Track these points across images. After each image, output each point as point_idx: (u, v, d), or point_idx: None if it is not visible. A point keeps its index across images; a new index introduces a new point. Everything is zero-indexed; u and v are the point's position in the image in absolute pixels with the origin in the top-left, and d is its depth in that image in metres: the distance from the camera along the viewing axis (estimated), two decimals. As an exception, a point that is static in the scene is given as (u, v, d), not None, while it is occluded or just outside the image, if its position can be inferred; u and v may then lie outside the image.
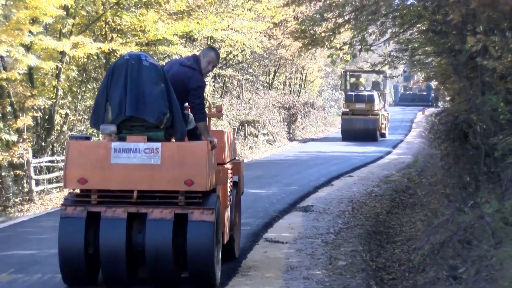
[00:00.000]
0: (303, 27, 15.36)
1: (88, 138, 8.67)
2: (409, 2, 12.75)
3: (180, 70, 8.76)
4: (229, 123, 30.64)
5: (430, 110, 36.67)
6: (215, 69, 31.88)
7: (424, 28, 12.99)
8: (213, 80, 31.10)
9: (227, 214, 9.53)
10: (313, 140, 37.11)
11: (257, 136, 33.41)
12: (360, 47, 14.41)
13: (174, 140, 8.48)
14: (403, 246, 11.97)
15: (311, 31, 14.82)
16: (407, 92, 66.96)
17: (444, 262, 9.17)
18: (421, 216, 13.81)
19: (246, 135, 32.52)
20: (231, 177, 10.08)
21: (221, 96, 32.17)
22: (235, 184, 10.51)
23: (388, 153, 30.99)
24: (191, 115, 8.89)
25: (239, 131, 31.99)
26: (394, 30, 14.20)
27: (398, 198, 17.41)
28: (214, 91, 31.20)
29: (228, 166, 9.86)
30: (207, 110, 9.65)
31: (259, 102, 34.69)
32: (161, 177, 8.10)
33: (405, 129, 43.33)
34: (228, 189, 9.66)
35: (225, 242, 9.41)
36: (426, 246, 10.57)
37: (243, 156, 29.11)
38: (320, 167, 24.57)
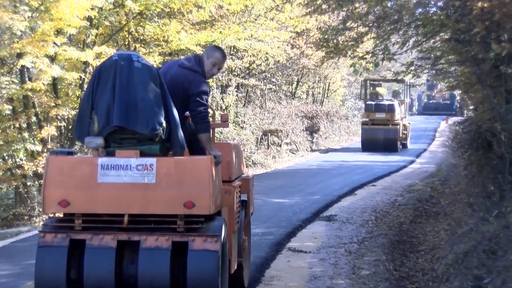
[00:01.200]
0: (326, 37, 15.37)
1: (70, 153, 7.20)
2: (431, 11, 12.66)
3: (179, 72, 7.43)
4: (252, 133, 30.65)
5: (453, 119, 36.35)
6: (237, 78, 32.64)
7: (447, 37, 12.94)
8: (236, 89, 31.12)
9: (234, 240, 8.18)
10: (333, 150, 36.83)
11: (280, 146, 33.35)
12: (382, 56, 14.38)
13: (171, 155, 7.07)
14: (427, 255, 11.89)
15: (334, 41, 14.81)
16: (431, 101, 66.63)
17: (469, 272, 9.10)
18: (444, 225, 13.72)
19: (269, 144, 32.46)
20: (239, 196, 8.69)
21: (244, 105, 32.14)
22: (244, 204, 9.13)
23: (412, 162, 30.89)
24: (192, 126, 7.55)
25: (262, 140, 31.98)
26: (417, 39, 14.16)
27: (422, 208, 17.32)
28: (237, 101, 31.18)
29: (236, 183, 8.48)
30: (210, 120, 8.23)
31: (282, 112, 34.64)
32: (156, 199, 6.72)
33: (429, 138, 43.16)
34: (236, 211, 8.30)
35: (232, 271, 8.08)
36: (450, 256, 10.49)
37: (266, 165, 29.11)
38: (344, 177, 24.50)
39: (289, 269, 10.82)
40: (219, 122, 9.09)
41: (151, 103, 6.73)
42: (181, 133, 6.91)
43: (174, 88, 7.16)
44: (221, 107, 29.17)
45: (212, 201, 6.66)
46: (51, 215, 7.33)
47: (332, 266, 11.02)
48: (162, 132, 6.74)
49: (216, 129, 27.83)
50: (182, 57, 26.43)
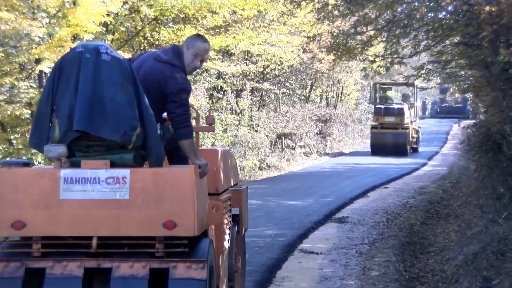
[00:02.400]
0: (337, 41, 15.38)
1: (27, 164, 5.70)
2: (441, 15, 12.63)
3: (154, 67, 5.97)
4: (267, 136, 30.64)
5: (465, 122, 36.26)
6: (251, 83, 32.58)
7: (457, 41, 12.91)
8: (250, 94, 31.12)
9: (224, 262, 6.84)
10: (342, 154, 36.94)
11: (294, 149, 33.36)
12: (391, 59, 14.40)
13: (147, 166, 5.70)
14: (437, 256, 11.85)
15: (345, 44, 14.84)
16: (443, 105, 66.39)
17: (478, 273, 9.06)
18: (455, 227, 13.68)
19: (283, 147, 32.47)
20: (230, 210, 7.33)
21: (258, 109, 32.15)
22: (236, 219, 7.68)
23: (424, 164, 30.83)
24: (172, 130, 6.14)
25: (276, 143, 32.00)
26: (427, 43, 14.16)
27: (433, 209, 17.27)
28: (251, 105, 31.18)
29: (225, 196, 7.00)
30: (194, 123, 6.97)
31: (296, 115, 34.63)
32: (130, 218, 5.33)
33: (441, 141, 43.05)
34: (226, 228, 6.92)
35: None
36: (459, 257, 10.45)
37: (280, 168, 29.08)
38: (356, 179, 24.45)
39: (300, 270, 10.80)
40: (204, 125, 7.22)
41: (122, 103, 5.34)
42: (159, 139, 5.57)
43: (149, 86, 5.78)
44: (236, 111, 29.18)
45: (197, 220, 5.31)
46: (3, 239, 5.90)
47: (343, 267, 11.00)
48: (135, 138, 5.36)
49: (231, 133, 28.68)
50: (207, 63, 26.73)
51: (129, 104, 5.36)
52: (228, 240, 7.00)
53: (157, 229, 5.24)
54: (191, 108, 6.52)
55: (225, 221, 6.81)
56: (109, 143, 5.37)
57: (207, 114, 25.59)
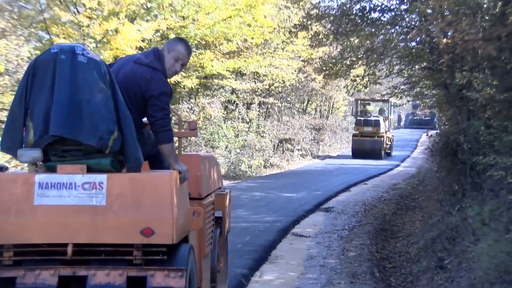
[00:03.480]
0: (326, 64, 15.39)
1: (0, 169, 4.65)
2: (410, 45, 12.61)
3: (134, 70, 4.94)
4: (271, 141, 30.62)
5: (432, 132, 36.32)
6: (259, 97, 32.85)
7: (423, 66, 12.87)
8: (258, 106, 31.14)
9: (206, 265, 5.88)
10: (330, 157, 36.60)
11: (293, 151, 33.33)
12: (369, 80, 14.44)
13: (125, 171, 4.64)
14: (403, 241, 11.81)
15: (332, 67, 14.86)
16: (415, 117, 66.35)
17: (434, 255, 9.06)
18: (419, 217, 13.64)
19: (284, 150, 32.46)
20: (213, 213, 6.25)
21: (264, 119, 32.19)
22: (219, 221, 6.62)
23: (397, 166, 30.76)
24: (152, 135, 5.12)
25: (278, 146, 31.97)
26: (399, 67, 14.15)
27: (403, 202, 17.21)
28: (259, 115, 31.22)
29: (208, 201, 5.92)
30: (175, 128, 6.21)
31: (295, 124, 34.59)
32: (107, 225, 4.39)
33: (412, 147, 42.96)
34: (208, 231, 5.86)
35: None
36: (421, 242, 10.44)
37: (281, 167, 29.04)
38: (342, 177, 24.33)
39: (291, 250, 10.76)
40: (187, 130, 5.96)
41: (99, 106, 4.36)
42: (137, 143, 4.55)
43: (128, 89, 4.77)
44: (246, 120, 29.18)
45: (176, 227, 4.38)
46: None
47: (326, 248, 10.96)
48: (113, 142, 4.38)
49: (241, 137, 28.83)
50: (216, 81, 26.93)
51: (106, 107, 4.35)
52: (211, 243, 5.95)
53: (135, 237, 4.28)
54: (173, 113, 5.76)
55: (208, 225, 5.76)
56: (86, 148, 4.35)
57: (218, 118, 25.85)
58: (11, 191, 4.36)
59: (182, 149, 6.00)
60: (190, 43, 21.77)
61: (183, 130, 6.24)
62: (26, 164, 4.49)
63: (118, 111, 4.41)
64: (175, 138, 5.36)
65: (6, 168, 4.67)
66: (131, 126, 4.46)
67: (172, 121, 6.25)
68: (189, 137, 23.76)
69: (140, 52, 20.28)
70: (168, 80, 5.05)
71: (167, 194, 4.35)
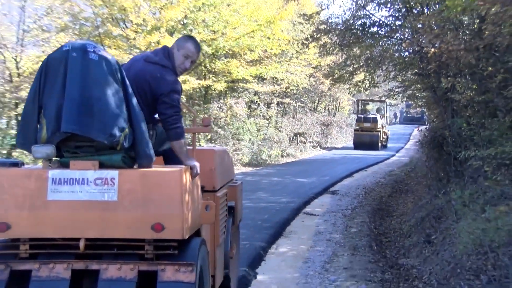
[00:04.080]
0: (335, 71, 15.35)
1: (15, 164, 4.09)
2: (403, 54, 12.53)
3: (145, 68, 4.34)
4: (287, 134, 30.61)
5: (422, 128, 36.12)
6: (277, 98, 33.07)
7: (414, 72, 12.77)
8: (276, 105, 31.12)
9: (219, 253, 5.25)
10: (335, 148, 36.34)
11: (305, 143, 33.22)
12: (369, 84, 14.38)
13: (137, 167, 4.08)
14: (397, 219, 11.74)
15: (337, 73, 14.84)
16: (408, 115, 65.82)
17: (423, 231, 9.00)
18: (411, 199, 13.54)
19: (298, 142, 32.39)
20: (226, 204, 5.54)
21: (281, 116, 32.17)
22: (231, 211, 5.85)
23: (393, 156, 30.55)
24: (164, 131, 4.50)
25: (293, 139, 31.91)
26: (394, 73, 14.05)
27: (397, 186, 17.09)
28: (277, 113, 31.22)
29: (222, 192, 5.25)
30: (187, 124, 5.47)
31: (307, 121, 34.53)
32: (118, 220, 3.84)
33: (405, 140, 42.58)
34: (221, 222, 5.21)
35: (217, 284, 5.17)
36: (412, 220, 10.36)
37: (295, 156, 29.00)
38: (346, 165, 24.24)
39: (302, 226, 10.75)
40: (200, 126, 5.13)
41: (110, 103, 3.76)
42: (148, 140, 3.92)
43: (139, 87, 4.19)
44: (266, 117, 29.19)
45: (185, 222, 3.80)
46: None
47: (332, 225, 10.94)
48: (123, 139, 3.78)
49: (262, 132, 28.96)
50: (241, 85, 26.99)
51: (116, 104, 3.75)
52: (224, 232, 5.34)
53: (145, 232, 3.71)
54: (188, 110, 5.26)
55: (222, 215, 5.15)
56: (98, 144, 3.77)
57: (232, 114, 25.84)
58: (25, 186, 3.81)
59: (197, 143, 5.62)
60: (219, 53, 22.20)
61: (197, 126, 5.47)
62: (41, 160, 3.91)
63: (129, 108, 3.80)
64: (190, 134, 4.94)
65: (22, 164, 4.11)
66: (142, 123, 3.85)
67: (188, 119, 5.66)
68: (217, 132, 24.00)
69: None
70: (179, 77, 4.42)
71: (176, 190, 3.75)
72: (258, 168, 22.90)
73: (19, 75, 17.50)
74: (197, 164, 4.18)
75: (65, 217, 3.72)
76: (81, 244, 3.69)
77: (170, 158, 4.40)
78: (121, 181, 3.71)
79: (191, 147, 4.63)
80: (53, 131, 3.71)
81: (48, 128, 3.73)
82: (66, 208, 3.72)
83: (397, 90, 15.57)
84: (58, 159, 3.88)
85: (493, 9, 6.26)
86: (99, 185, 3.73)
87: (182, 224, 3.70)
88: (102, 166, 3.78)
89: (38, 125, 3.80)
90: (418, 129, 48.34)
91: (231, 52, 22.56)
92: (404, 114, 67.91)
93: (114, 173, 3.74)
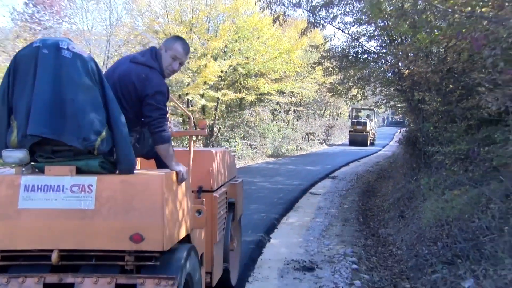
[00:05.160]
0: (336, 87, 15.16)
1: None
2: (387, 75, 12.29)
3: (130, 68, 3.16)
4: (300, 134, 30.41)
5: (403, 129, 35.70)
6: (294, 107, 33.16)
7: (394, 88, 12.54)
8: (293, 112, 30.93)
9: (218, 249, 4.17)
10: (336, 145, 35.82)
11: (314, 140, 32.97)
12: (361, 97, 14.17)
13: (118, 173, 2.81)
14: (380, 198, 11.55)
15: (337, 89, 14.66)
16: (393, 120, 64.98)
17: (398, 208, 8.82)
18: (391, 183, 13.29)
19: (309, 139, 32.14)
20: (226, 202, 4.41)
21: (297, 120, 31.91)
22: (232, 207, 4.68)
23: (379, 150, 30.10)
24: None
25: (305, 137, 31.66)
26: (380, 89, 13.81)
27: (381, 174, 16.82)
28: (293, 118, 30.99)
29: (220, 192, 4.16)
30: (181, 127, 3.88)
31: (316, 124, 34.39)
32: (95, 230, 2.62)
33: (390, 138, 41.91)
34: (220, 220, 4.12)
35: (214, 284, 4.05)
36: (391, 199, 10.17)
37: (306, 150, 28.79)
38: (344, 157, 23.97)
39: (307, 203, 10.61)
40: (197, 129, 3.91)
41: (84, 105, 2.63)
42: (129, 144, 2.79)
43: (123, 88, 3.08)
44: (285, 121, 29.04)
45: (167, 232, 2.69)
46: None
47: (330, 202, 10.79)
48: (100, 143, 2.66)
49: (282, 132, 28.97)
50: (267, 97, 27.04)
51: (92, 106, 2.61)
52: (224, 229, 4.31)
53: (123, 243, 2.60)
54: (185, 112, 4.03)
55: (220, 213, 4.14)
56: (76, 148, 2.63)
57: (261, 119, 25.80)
58: None
59: (194, 144, 4.30)
60: (250, 73, 22.14)
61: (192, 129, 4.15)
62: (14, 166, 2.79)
63: (108, 110, 2.69)
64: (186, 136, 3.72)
65: None
66: (123, 126, 2.73)
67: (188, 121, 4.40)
68: (248, 131, 24.10)
69: (219, 78, 20.65)
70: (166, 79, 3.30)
71: (158, 197, 2.64)
72: (278, 158, 22.81)
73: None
74: (183, 168, 3.03)
75: (37, 227, 2.61)
76: (54, 256, 2.60)
77: (163, 161, 3.20)
78: (99, 188, 2.63)
79: (188, 149, 3.59)
80: (24, 134, 2.59)
81: (19, 131, 2.60)
82: (39, 217, 2.61)
83: (382, 101, 15.35)
84: (33, 164, 2.77)
85: (451, 42, 6.04)
86: (75, 192, 2.63)
87: (163, 235, 2.61)
88: (80, 172, 2.69)
89: (8, 127, 2.68)
90: (400, 131, 47.95)
91: (259, 73, 22.49)
92: (390, 119, 67.15)
93: (91, 179, 2.65)
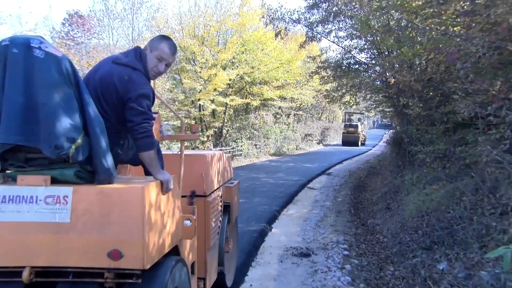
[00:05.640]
0: (331, 94, 15.21)
1: None
2: (376, 83, 12.35)
3: (112, 70, 2.41)
4: (300, 135, 30.46)
5: (390, 131, 35.67)
6: (294, 111, 33.29)
7: (382, 95, 12.59)
8: (293, 116, 30.96)
9: (212, 254, 3.61)
10: (332, 145, 35.92)
11: (312, 141, 33.04)
12: (353, 103, 14.21)
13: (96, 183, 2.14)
14: (370, 192, 11.57)
15: (332, 95, 14.71)
16: (382, 122, 64.74)
17: (385, 201, 8.85)
18: (379, 179, 13.30)
19: (307, 140, 32.21)
20: (220, 205, 3.85)
21: (297, 122, 31.97)
22: (228, 209, 4.08)
23: (370, 150, 30.09)
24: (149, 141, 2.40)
25: (304, 138, 31.72)
26: (370, 95, 13.85)
27: (371, 170, 16.82)
28: (294, 121, 31.04)
29: (213, 196, 3.57)
30: (171, 131, 3.29)
31: (314, 126, 34.42)
32: (70, 246, 1.98)
33: (379, 139, 41.85)
34: (213, 224, 3.53)
35: (209, 285, 3.51)
36: (379, 193, 10.20)
37: (305, 149, 28.83)
38: (339, 155, 24.00)
39: (305, 197, 10.65)
40: (188, 133, 3.21)
41: (57, 109, 2.00)
42: (107, 152, 2.18)
43: (105, 91, 2.45)
44: (286, 124, 29.10)
45: (149, 249, 2.09)
46: None
47: (325, 195, 10.83)
48: (74, 151, 2.06)
49: (283, 133, 29.02)
50: (270, 102, 27.09)
51: (66, 111, 2.07)
52: (218, 233, 3.70)
53: (101, 260, 2.07)
54: (175, 115, 3.04)
55: (214, 218, 3.54)
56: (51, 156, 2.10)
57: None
58: None
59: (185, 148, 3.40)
60: (255, 81, 22.22)
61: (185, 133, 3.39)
62: None
63: (85, 115, 2.15)
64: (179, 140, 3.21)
65: None
66: (101, 132, 2.19)
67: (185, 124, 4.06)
68: (253, 133, 24.20)
69: (227, 85, 20.80)
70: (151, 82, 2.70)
71: (138, 211, 2.10)
72: (280, 157, 22.87)
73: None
74: (169, 177, 2.44)
75: (9, 242, 2.09)
76: (25, 274, 2.06)
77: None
78: (75, 200, 2.11)
79: (180, 153, 3.00)
80: None
81: None
82: (11, 232, 2.09)
83: (372, 106, 15.37)
84: (6, 172, 2.24)
85: (430, 56, 6.13)
86: (50, 204, 2.10)
87: (143, 251, 2.08)
88: (55, 181, 2.16)
89: None
90: (387, 132, 47.79)
91: (263, 81, 22.58)
92: (379, 122, 66.88)
93: (67, 190, 2.12)
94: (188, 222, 2.64)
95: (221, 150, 17.55)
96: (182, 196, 2.79)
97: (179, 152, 2.99)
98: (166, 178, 2.41)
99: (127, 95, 2.40)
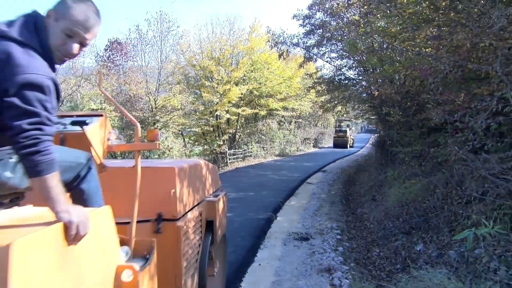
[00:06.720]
0: (325, 105, 15.16)
1: None
2: (362, 95, 12.31)
3: None
4: (299, 139, 30.35)
5: (375, 135, 35.44)
6: (295, 119, 33.34)
7: (368, 105, 12.53)
8: (294, 123, 30.85)
9: (191, 282, 2.08)
10: (323, 148, 35.63)
11: (310, 144, 32.89)
12: (344, 112, 14.12)
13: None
14: (358, 186, 11.48)
15: (326, 106, 14.66)
16: (369, 127, 64.17)
17: (371, 193, 8.78)
18: (366, 175, 13.19)
19: (306, 143, 32.08)
20: (200, 226, 2.31)
21: (297, 128, 31.84)
22: (211, 226, 2.50)
23: (358, 151, 29.76)
24: (48, 158, 0.76)
25: (303, 141, 31.59)
26: (358, 106, 13.80)
27: (360, 168, 16.66)
28: (295, 127, 30.93)
29: (187, 218, 1.96)
30: (122, 139, 1.57)
31: (311, 131, 34.28)
32: None
33: (366, 142, 41.54)
34: (190, 253, 2.06)
35: None
36: (366, 187, 10.11)
37: (304, 151, 28.67)
38: (332, 155, 23.81)
39: (304, 190, 10.58)
40: (145, 142, 1.50)
41: None
42: None
43: None
44: (288, 130, 28.99)
45: None
46: None
47: (320, 189, 10.76)
48: None
49: (285, 138, 29.08)
50: (275, 112, 27.14)
51: None
52: (196, 260, 2.36)
53: None
54: (127, 117, 1.76)
55: (189, 246, 2.19)
56: None
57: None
58: None
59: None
60: (263, 94, 22.30)
61: (142, 142, 1.86)
62: None
63: None
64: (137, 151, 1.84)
65: None
66: None
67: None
68: (261, 137, 24.29)
69: (239, 98, 20.89)
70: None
71: (2, 275, 0.86)
72: (283, 157, 22.81)
73: (156, 107, 18.03)
74: (80, 217, 1.20)
75: None
76: None
77: (80, 196, 1.48)
78: None
79: (134, 167, 1.80)
80: None
81: None
82: None
83: (359, 114, 15.34)
84: None
85: (407, 72, 6.11)
86: None
87: None
88: None
89: None
90: (373, 136, 47.42)
91: (269, 94, 22.55)
92: (366, 127, 66.34)
93: None
94: (128, 275, 1.44)
95: (222, 153, 17.46)
96: (145, 221, 1.89)
97: (134, 166, 1.77)
98: (73, 219, 1.19)
99: (4, 84, 1.12)
